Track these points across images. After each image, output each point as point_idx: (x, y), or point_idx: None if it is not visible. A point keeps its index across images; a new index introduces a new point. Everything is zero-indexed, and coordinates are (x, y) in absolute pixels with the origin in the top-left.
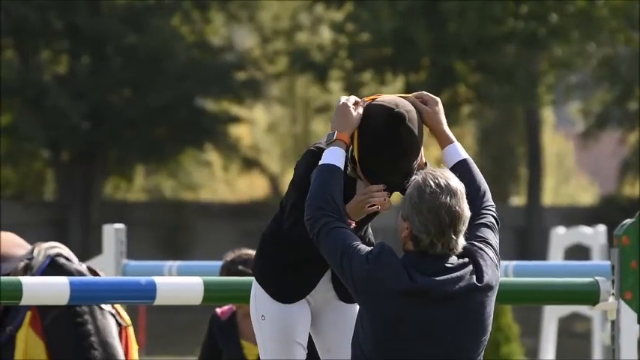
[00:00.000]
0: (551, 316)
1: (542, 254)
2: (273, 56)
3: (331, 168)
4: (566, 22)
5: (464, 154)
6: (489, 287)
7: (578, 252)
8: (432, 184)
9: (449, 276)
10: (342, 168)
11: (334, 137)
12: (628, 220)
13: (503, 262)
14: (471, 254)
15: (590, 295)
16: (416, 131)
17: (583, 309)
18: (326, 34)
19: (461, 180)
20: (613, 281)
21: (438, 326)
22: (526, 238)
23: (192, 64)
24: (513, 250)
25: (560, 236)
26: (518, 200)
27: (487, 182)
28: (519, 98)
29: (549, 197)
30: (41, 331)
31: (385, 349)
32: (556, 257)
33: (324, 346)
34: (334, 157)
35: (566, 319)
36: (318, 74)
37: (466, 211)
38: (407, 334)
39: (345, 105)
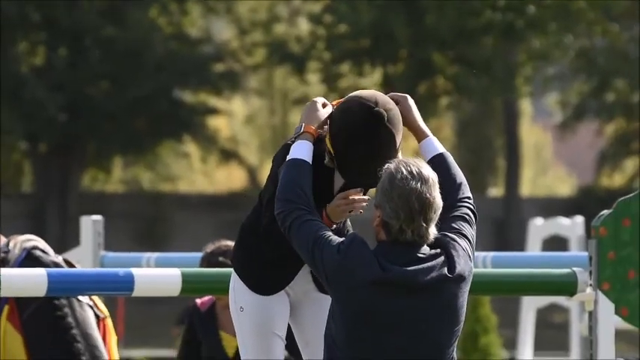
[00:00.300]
0: (529, 306)
1: (520, 245)
2: (251, 48)
3: (299, 162)
4: (543, 14)
5: (440, 148)
6: (461, 278)
7: (555, 243)
8: (404, 170)
9: (420, 266)
10: (310, 161)
11: (301, 130)
12: (605, 211)
13: (481, 253)
14: (443, 245)
15: (567, 286)
16: (394, 131)
17: (561, 300)
18: (304, 26)
19: (437, 173)
20: (590, 272)
21: (410, 316)
22: (504, 229)
23: (170, 56)
24: (491, 241)
25: (538, 227)
26: (496, 191)
27: (465, 174)
28: (497, 90)
29: (527, 188)
30: (19, 325)
31: (357, 340)
32: (534, 248)
33: (302, 338)
34: (302, 151)
35: (544, 309)
36: (296, 66)
37: (437, 200)
38: (378, 325)
39: (313, 102)
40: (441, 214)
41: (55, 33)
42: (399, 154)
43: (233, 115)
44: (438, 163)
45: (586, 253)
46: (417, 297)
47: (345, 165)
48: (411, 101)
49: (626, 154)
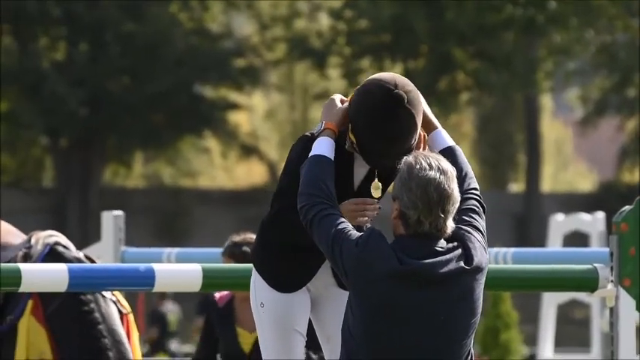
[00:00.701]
0: (550, 302)
1: (540, 241)
2: (272, 43)
3: (322, 159)
4: (564, 9)
5: (450, 141)
6: (478, 269)
7: (576, 239)
8: (423, 162)
9: (438, 259)
10: (332, 158)
11: (322, 127)
12: (627, 207)
13: (502, 249)
14: (459, 237)
15: (588, 282)
16: (415, 112)
17: (582, 296)
18: (324, 21)
19: None
20: (612, 268)
21: (427, 309)
22: (525, 225)
23: (190, 51)
24: (512, 237)
25: (559, 223)
26: (516, 187)
27: (485, 169)
28: (518, 85)
29: (548, 184)
30: (44, 319)
31: (374, 333)
32: (555, 244)
33: (324, 334)
34: (324, 147)
35: (565, 305)
36: (317, 61)
37: (456, 193)
38: (396, 318)
39: (332, 99)
40: None
41: (76, 28)
42: (421, 136)
43: (253, 111)
44: (446, 155)
45: (607, 249)
46: (435, 290)
47: (366, 148)
48: (419, 93)
49: None
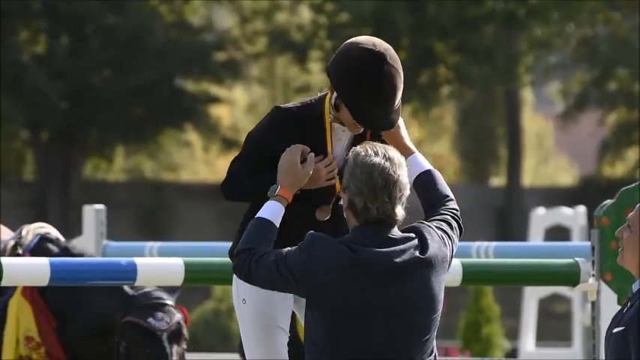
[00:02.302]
0: (532, 296)
1: (522, 235)
2: (253, 36)
3: (267, 223)
4: (545, 3)
5: (427, 165)
6: (434, 261)
7: (558, 233)
8: (369, 150)
9: (392, 248)
10: (278, 225)
11: (277, 192)
12: (608, 201)
13: (484, 243)
14: (416, 230)
15: (570, 276)
16: (397, 67)
17: (563, 290)
18: (305, 14)
19: (425, 188)
20: (593, 262)
21: (386, 304)
22: (506, 219)
23: (171, 45)
24: (493, 231)
25: (540, 217)
26: (497, 181)
27: (466, 163)
28: (499, 79)
29: (529, 178)
30: (34, 298)
31: (335, 334)
32: (536, 238)
33: None
34: (272, 212)
35: (546, 300)
36: (298, 54)
37: (403, 179)
38: (355, 315)
39: (292, 157)
40: (425, 219)
41: (56, 21)
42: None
43: (235, 104)
44: (427, 178)
45: (588, 243)
46: (392, 282)
47: (357, 110)
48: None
49: (628, 144)
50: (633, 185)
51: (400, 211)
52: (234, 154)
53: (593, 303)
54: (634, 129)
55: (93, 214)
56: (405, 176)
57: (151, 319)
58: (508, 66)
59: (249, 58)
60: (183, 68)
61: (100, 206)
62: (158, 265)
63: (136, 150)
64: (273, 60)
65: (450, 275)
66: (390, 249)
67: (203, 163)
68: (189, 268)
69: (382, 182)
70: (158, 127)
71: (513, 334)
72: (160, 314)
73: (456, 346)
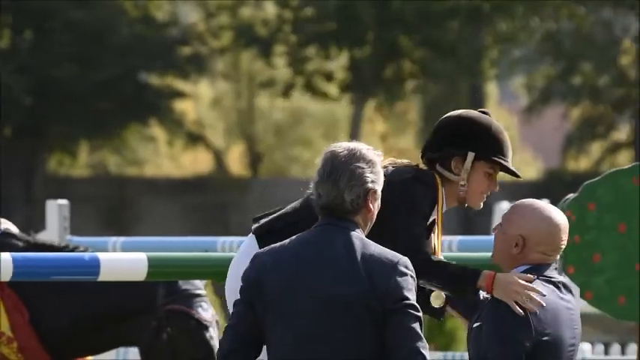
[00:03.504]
0: None
1: (486, 229)
2: (218, 31)
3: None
4: None
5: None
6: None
7: None
8: (340, 144)
9: (327, 228)
10: None
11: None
12: (571, 195)
13: (447, 237)
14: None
15: None
16: None
17: None
18: (270, 9)
19: None
20: None
21: (308, 292)
22: (470, 213)
23: (136, 39)
24: (457, 225)
25: (504, 211)
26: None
27: None
28: (463, 73)
29: None
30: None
31: (270, 340)
32: None
33: None
34: None
35: None
36: (263, 49)
37: (358, 171)
38: (285, 312)
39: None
40: None
41: (21, 15)
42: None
43: (199, 99)
44: None
45: None
46: (313, 268)
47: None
48: None
49: (592, 138)
50: (596, 179)
51: (349, 198)
52: (198, 148)
53: None
54: (598, 123)
55: (56, 209)
56: (363, 170)
57: (200, 310)
58: (473, 60)
59: (213, 52)
60: (148, 63)
61: (64, 201)
62: (121, 260)
63: (100, 145)
64: (238, 54)
65: None
66: (325, 229)
67: (167, 158)
68: (152, 263)
69: (330, 169)
70: (122, 122)
71: None
72: (205, 305)
73: None
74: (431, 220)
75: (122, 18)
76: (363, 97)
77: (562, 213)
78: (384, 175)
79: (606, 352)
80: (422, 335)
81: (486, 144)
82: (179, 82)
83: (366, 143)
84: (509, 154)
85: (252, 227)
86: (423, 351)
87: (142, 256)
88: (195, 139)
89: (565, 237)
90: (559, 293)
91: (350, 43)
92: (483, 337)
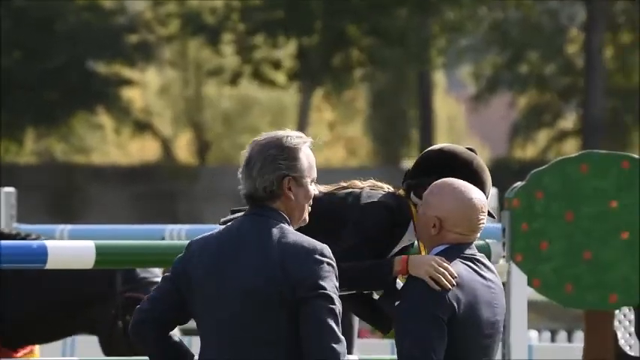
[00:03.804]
0: None
1: None
2: (165, 19)
3: None
4: None
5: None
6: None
7: None
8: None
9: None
10: None
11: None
12: (519, 183)
13: None
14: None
15: None
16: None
17: None
18: None
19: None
20: (504, 244)
21: (227, 280)
22: None
23: (83, 27)
24: None
25: None
26: (409, 163)
27: (379, 145)
28: (411, 62)
29: None
30: None
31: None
32: None
33: None
34: None
35: None
36: (210, 37)
37: (267, 158)
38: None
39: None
40: None
41: None
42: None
43: (147, 87)
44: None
45: (499, 225)
46: (233, 253)
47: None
48: None
49: (539, 126)
50: (543, 168)
51: (262, 185)
52: (146, 136)
53: (503, 284)
54: (544, 111)
55: (3, 196)
56: (282, 158)
57: None
58: (420, 49)
59: (161, 40)
60: (96, 51)
61: (11, 189)
62: (69, 248)
63: (47, 133)
64: (186, 42)
65: None
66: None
67: (115, 146)
68: (100, 251)
69: (247, 159)
70: (70, 110)
71: None
72: None
73: (366, 327)
74: (385, 247)
75: (69, 5)
76: (311, 85)
77: (480, 192)
78: (358, 197)
79: (553, 340)
80: (335, 328)
81: (464, 178)
82: (126, 70)
83: (313, 131)
84: (488, 191)
85: (221, 220)
86: (335, 346)
87: (89, 244)
88: (142, 127)
89: (483, 217)
90: (479, 270)
91: (298, 31)
92: (402, 313)
